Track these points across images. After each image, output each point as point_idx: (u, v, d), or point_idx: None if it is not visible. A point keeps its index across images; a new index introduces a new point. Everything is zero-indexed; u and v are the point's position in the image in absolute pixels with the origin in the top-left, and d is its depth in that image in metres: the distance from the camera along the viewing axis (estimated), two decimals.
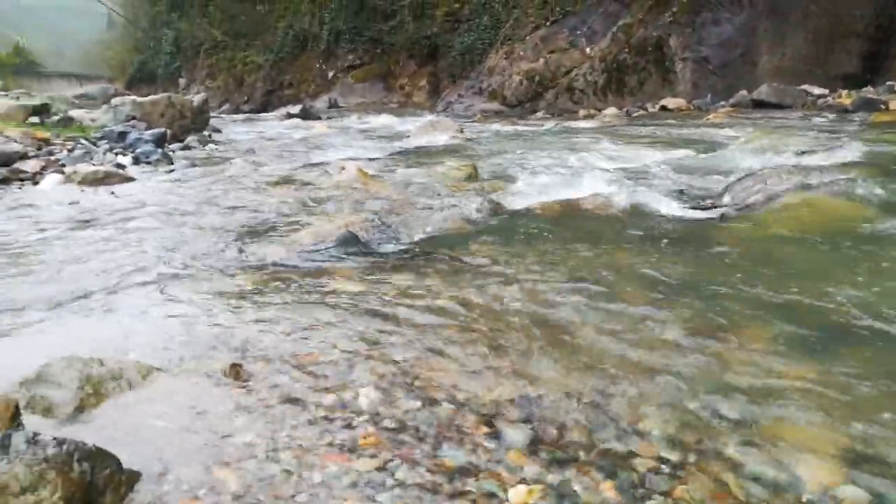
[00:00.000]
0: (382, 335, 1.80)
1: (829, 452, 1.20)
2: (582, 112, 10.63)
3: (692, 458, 1.21)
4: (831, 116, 6.99)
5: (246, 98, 26.32)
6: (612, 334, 1.76)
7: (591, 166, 4.51)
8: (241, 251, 2.72)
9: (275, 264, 2.53)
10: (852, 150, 4.26)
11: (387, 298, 2.09)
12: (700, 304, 1.95)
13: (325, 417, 1.35)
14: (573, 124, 8.70)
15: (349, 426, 1.32)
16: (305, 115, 13.99)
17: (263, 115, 18.68)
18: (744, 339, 1.70)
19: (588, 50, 12.38)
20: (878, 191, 2.99)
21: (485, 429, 1.31)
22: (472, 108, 13.57)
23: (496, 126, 9.18)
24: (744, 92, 9.01)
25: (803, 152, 4.27)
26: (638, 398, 1.43)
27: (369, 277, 2.31)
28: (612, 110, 10.21)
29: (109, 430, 1.31)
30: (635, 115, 9.42)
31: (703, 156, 4.61)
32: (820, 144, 4.69)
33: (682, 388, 1.45)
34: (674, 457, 1.21)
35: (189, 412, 1.37)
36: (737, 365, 1.56)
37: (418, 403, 1.41)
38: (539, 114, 11.53)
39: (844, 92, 8.25)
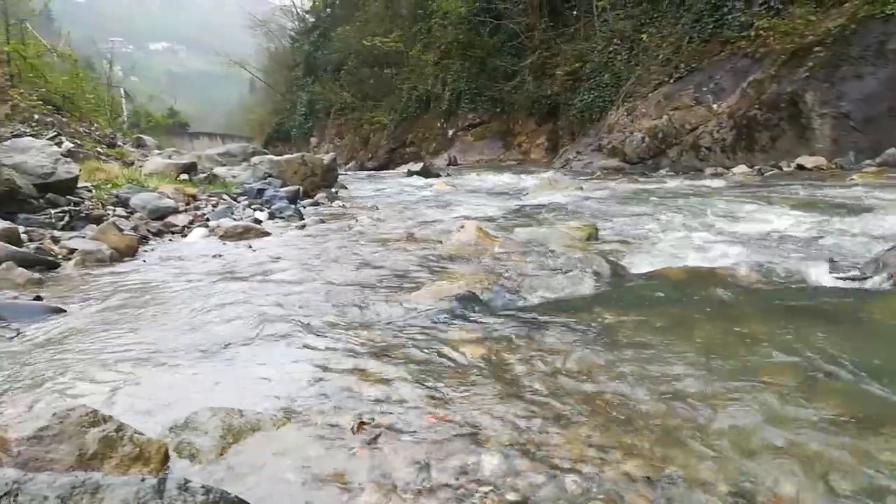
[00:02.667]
0: (505, 400, 1.78)
1: None
2: (709, 170, 10.24)
3: None
4: None
5: (370, 156, 27.76)
6: (750, 415, 1.64)
7: (720, 229, 4.31)
8: (366, 307, 2.82)
9: (397, 321, 2.60)
10: None
11: (509, 362, 2.08)
12: (847, 388, 1.78)
13: (448, 484, 1.34)
14: (700, 183, 8.39)
15: (471, 494, 1.30)
16: (426, 172, 14.47)
17: (386, 172, 19.54)
18: None
19: (715, 106, 12.01)
20: None
21: None
22: (590, 165, 13.47)
23: (616, 184, 9.04)
24: (893, 150, 8.33)
25: None
26: (785, 488, 1.31)
27: (490, 339, 2.31)
28: (741, 168, 9.75)
29: (245, 479, 1.37)
30: (768, 174, 8.92)
31: (849, 220, 4.27)
32: None
33: (834, 479, 1.32)
34: None
35: (318, 467, 1.41)
36: (889, 462, 1.40)
37: (542, 476, 1.38)
38: (662, 171, 11.24)
39: None
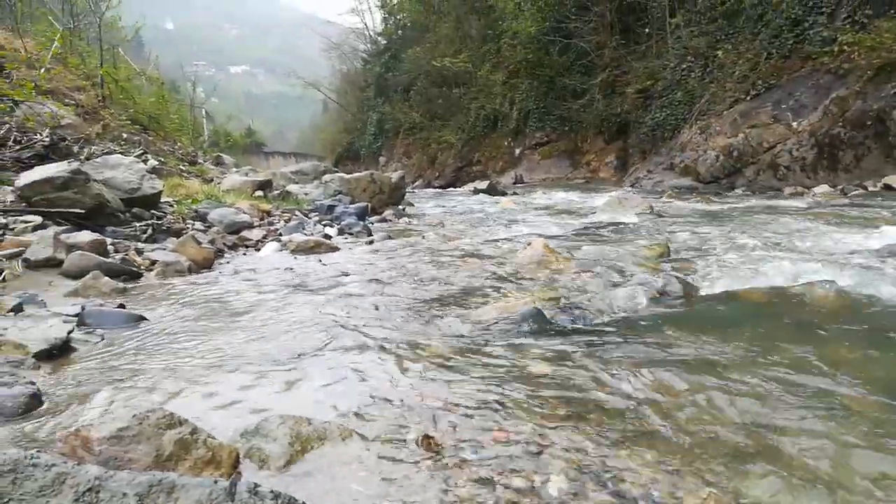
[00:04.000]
0: (572, 419, 1.74)
1: None
2: (788, 190, 9.82)
3: None
4: None
5: (437, 174, 28.05)
6: (834, 445, 1.55)
7: (800, 249, 4.12)
8: (432, 322, 2.83)
9: (463, 337, 2.59)
10: None
11: (575, 381, 2.04)
12: None
13: (514, 502, 1.32)
14: (778, 203, 8.05)
15: None
16: (492, 190, 14.49)
17: (452, 190, 19.67)
18: None
19: (795, 124, 11.54)
20: None
21: None
22: (661, 184, 13.16)
23: (689, 203, 8.79)
24: None
25: None
26: None
27: (556, 357, 2.28)
28: (823, 188, 9.32)
29: (311, 487, 1.39)
30: (852, 193, 8.49)
31: None
32: None
33: None
34: None
35: (383, 479, 1.42)
36: None
37: (610, 499, 1.33)
38: (737, 191, 10.86)
39: None
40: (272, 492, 1.10)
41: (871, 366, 2.06)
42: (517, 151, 24.27)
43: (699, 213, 7.25)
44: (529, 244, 4.58)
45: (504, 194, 13.56)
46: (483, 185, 16.62)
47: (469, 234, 6.26)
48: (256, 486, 1.09)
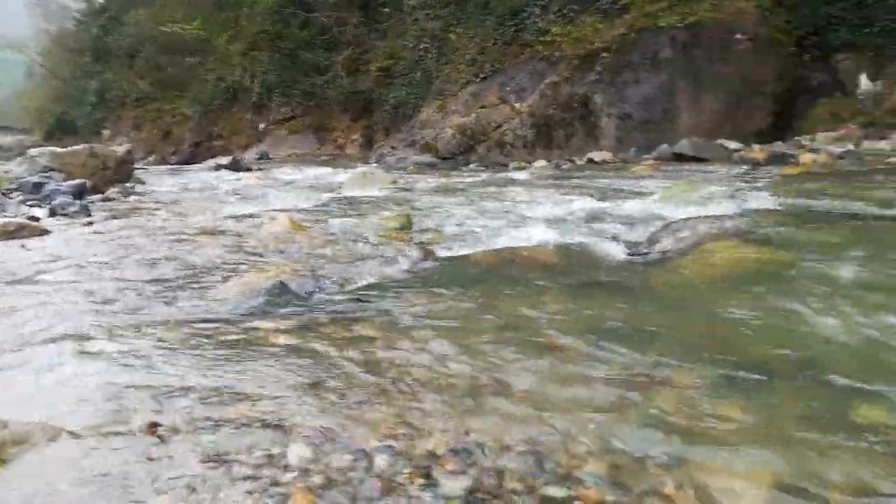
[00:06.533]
0: (313, 389, 1.72)
1: (758, 487, 1.21)
2: (512, 164, 10.88)
3: (628, 498, 1.19)
4: (746, 169, 7.41)
5: (173, 149, 25.77)
6: (549, 383, 1.75)
7: (523, 215, 4.59)
8: (163, 305, 2.59)
9: (198, 318, 2.42)
10: (766, 200, 4.50)
11: (318, 351, 2.02)
12: (634, 348, 1.97)
13: (251, 476, 1.26)
14: (505, 176, 8.90)
15: (276, 484, 1.24)
16: (235, 166, 13.77)
17: (191, 166, 18.25)
18: (676, 381, 1.72)
19: (517, 105, 12.78)
20: (790, 237, 3.16)
21: (421, 480, 1.26)
22: (405, 161, 13.69)
23: (429, 177, 9.28)
24: (665, 146, 9.47)
25: (723, 201, 4.48)
26: (576, 444, 1.41)
27: (300, 330, 2.23)
28: (541, 163, 10.49)
29: (10, 500, 1.19)
30: (564, 167, 9.72)
31: (630, 204, 4.77)
32: (737, 194, 4.95)
33: (619, 433, 1.44)
34: (611, 497, 1.19)
35: (99, 476, 1.26)
36: (670, 406, 1.57)
37: (350, 457, 1.35)
38: (471, 166, 11.74)
39: (757, 147, 8.79)
40: None
41: (578, 313, 2.37)
42: (261, 126, 23.34)
43: (439, 187, 7.70)
44: (273, 219, 4.44)
45: (248, 170, 12.97)
46: (225, 160, 15.69)
47: (209, 212, 5.87)
48: None
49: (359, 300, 2.65)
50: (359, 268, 3.20)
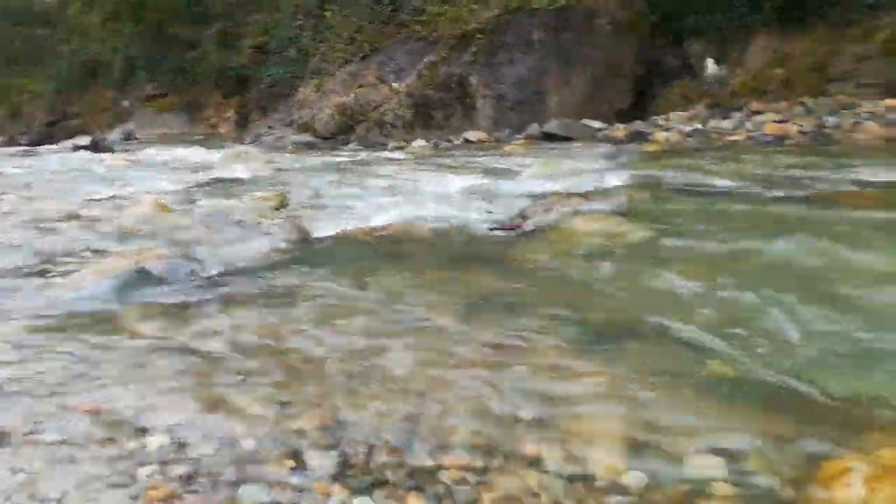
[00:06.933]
0: (180, 375, 1.66)
1: (615, 443, 1.31)
2: (392, 144, 10.87)
3: (497, 462, 1.24)
4: (608, 146, 7.85)
5: (24, 129, 23.44)
6: (421, 354, 1.78)
7: (399, 193, 4.61)
8: (6, 296, 2.38)
9: (51, 308, 2.24)
10: (625, 176, 4.81)
11: (184, 337, 1.94)
12: (501, 318, 2.05)
13: (102, 475, 1.19)
14: (383, 155, 8.88)
15: (133, 479, 1.18)
16: (96, 147, 12.77)
17: (46, 147, 16.72)
18: (540, 347, 1.81)
19: (396, 85, 12.73)
20: (646, 209, 3.40)
21: (290, 462, 1.24)
22: (283, 140, 13.28)
23: (308, 158, 9.09)
24: (536, 125, 9.81)
25: (587, 178, 4.74)
26: (445, 413, 1.44)
27: (162, 317, 2.13)
28: (420, 143, 10.54)
29: None
30: (442, 146, 9.84)
31: (502, 182, 4.93)
32: (599, 171, 5.24)
33: (486, 399, 1.50)
34: (479, 464, 1.24)
35: None
36: (534, 371, 1.65)
37: (215, 445, 1.31)
38: (351, 146, 11.60)
39: (619, 125, 9.32)
40: None
41: (449, 286, 2.42)
42: (126, 104, 21.75)
43: (317, 167, 7.55)
44: (138, 202, 4.18)
45: (112, 151, 12.07)
46: (85, 140, 14.50)
47: (66, 196, 5.41)
48: None
49: (228, 284, 2.57)
50: (230, 250, 3.09)
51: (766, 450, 1.24)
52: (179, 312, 2.16)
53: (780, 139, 7.10)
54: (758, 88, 9.52)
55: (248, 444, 1.31)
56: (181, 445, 1.30)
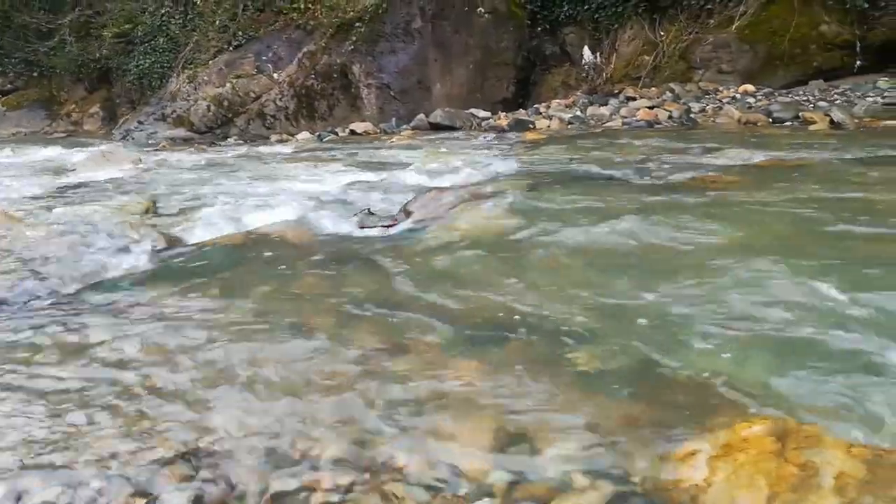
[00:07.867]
0: (17, 412, 1.50)
1: (482, 444, 1.31)
2: (274, 137, 10.51)
3: (363, 477, 1.21)
4: (492, 135, 7.98)
5: None
6: (296, 367, 1.71)
7: (279, 192, 4.45)
8: None
9: None
10: (507, 165, 4.90)
11: (28, 366, 1.76)
12: (381, 320, 2.01)
13: None
14: (265, 149, 8.54)
15: None
16: None
17: None
18: (418, 348, 1.79)
19: (276, 75, 12.31)
20: (528, 200, 3.46)
21: (140, 500, 1.15)
22: (155, 136, 12.52)
23: (183, 154, 8.59)
24: (422, 116, 9.79)
25: (470, 168, 4.78)
26: (314, 427, 1.40)
27: (4, 340, 1.93)
28: (304, 135, 10.26)
29: None
30: (326, 139, 9.60)
31: (386, 176, 4.86)
32: (483, 161, 5.30)
33: (356, 408, 1.46)
34: (345, 480, 1.20)
35: None
36: (409, 375, 1.63)
37: (57, 488, 1.19)
38: (231, 140, 11.10)
39: (503, 114, 9.48)
40: None
41: (329, 290, 2.35)
42: None
43: (192, 164, 7.15)
44: None
45: None
46: None
47: None
48: None
49: (86, 299, 2.37)
50: (89, 262, 2.86)
51: (625, 438, 1.28)
52: (21, 336, 1.97)
53: (651, 124, 7.50)
54: (630, 75, 10.01)
55: (93, 484, 1.20)
56: (16, 494, 1.17)
